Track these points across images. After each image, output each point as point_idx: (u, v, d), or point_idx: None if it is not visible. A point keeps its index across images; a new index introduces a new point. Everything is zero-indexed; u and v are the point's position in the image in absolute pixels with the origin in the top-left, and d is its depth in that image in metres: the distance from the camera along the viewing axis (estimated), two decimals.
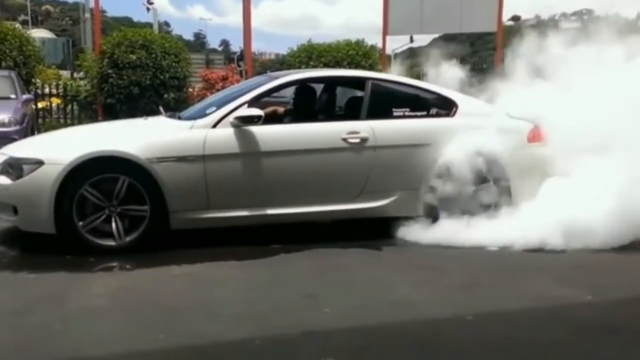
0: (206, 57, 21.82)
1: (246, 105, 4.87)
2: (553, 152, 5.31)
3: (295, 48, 13.78)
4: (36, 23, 55.87)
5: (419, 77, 7.19)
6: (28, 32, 15.30)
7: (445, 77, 6.07)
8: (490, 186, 5.09)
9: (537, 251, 4.71)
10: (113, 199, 4.51)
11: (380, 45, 13.96)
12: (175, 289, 3.85)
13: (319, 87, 5.83)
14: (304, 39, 14.10)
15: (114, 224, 4.53)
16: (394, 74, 6.42)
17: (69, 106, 13.05)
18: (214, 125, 4.77)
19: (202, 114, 4.97)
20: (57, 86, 13.21)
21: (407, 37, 20.01)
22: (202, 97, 10.74)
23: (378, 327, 3.27)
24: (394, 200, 5.02)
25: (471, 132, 5.08)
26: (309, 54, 13.08)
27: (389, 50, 17.96)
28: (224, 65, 19.16)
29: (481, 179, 5.04)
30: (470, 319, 3.39)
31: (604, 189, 4.87)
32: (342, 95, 5.89)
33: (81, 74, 14.44)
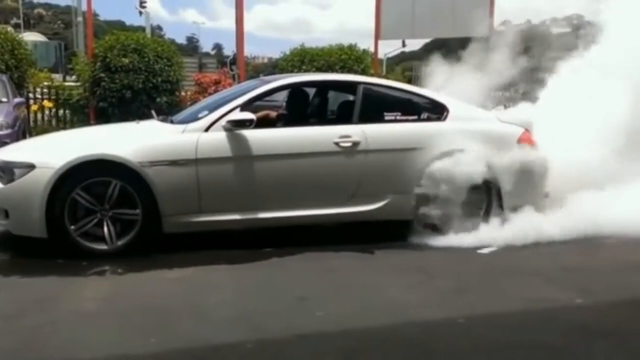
0: (199, 60, 21.71)
1: (238, 109, 4.87)
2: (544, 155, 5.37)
3: (287, 52, 13.77)
4: (28, 26, 55.58)
5: (410, 81, 7.23)
6: (20, 36, 15.23)
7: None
8: (481, 190, 5.11)
9: (528, 253, 4.74)
10: (105, 202, 4.51)
11: (372, 49, 14.00)
12: (167, 293, 3.84)
13: (311, 91, 5.85)
14: (296, 43, 14.15)
15: (105, 228, 4.53)
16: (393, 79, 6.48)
17: (61, 110, 12.99)
18: (206, 129, 4.77)
19: (194, 118, 4.98)
20: (48, 89, 13.15)
21: (399, 42, 20.06)
22: (194, 101, 10.72)
23: (370, 330, 3.28)
24: (386, 203, 5.03)
25: (462, 136, 5.11)
26: (302, 58, 13.09)
27: (381, 55, 18.00)
28: (216, 69, 19.11)
29: (471, 183, 5.05)
30: (461, 322, 3.40)
31: None
32: (334, 99, 5.91)
33: (73, 78, 14.38)
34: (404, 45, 22.48)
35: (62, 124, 12.67)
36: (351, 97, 5.39)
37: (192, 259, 4.49)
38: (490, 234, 4.96)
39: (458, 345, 3.13)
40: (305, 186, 4.90)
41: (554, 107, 6.12)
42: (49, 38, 44.03)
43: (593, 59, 6.24)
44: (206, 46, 69.01)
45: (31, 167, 4.45)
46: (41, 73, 15.49)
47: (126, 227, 4.57)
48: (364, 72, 12.33)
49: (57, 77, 20.45)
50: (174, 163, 4.61)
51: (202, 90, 12.93)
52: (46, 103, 12.76)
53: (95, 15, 37.51)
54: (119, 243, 4.55)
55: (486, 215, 5.15)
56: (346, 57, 12.96)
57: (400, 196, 5.03)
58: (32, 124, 12.35)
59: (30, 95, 12.82)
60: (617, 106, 5.81)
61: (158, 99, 11.90)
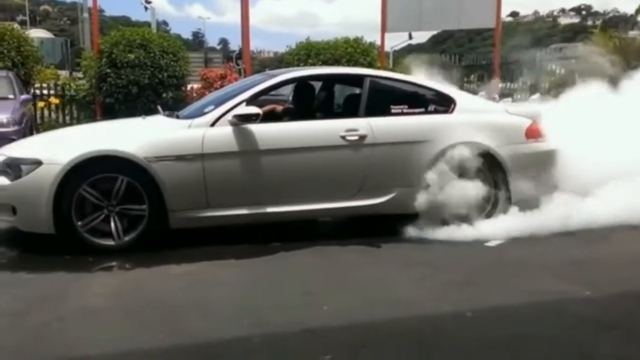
0: (205, 55, 21.74)
1: (244, 103, 4.86)
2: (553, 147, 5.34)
3: (293, 46, 13.74)
4: (34, 23, 55.80)
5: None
6: (26, 32, 15.24)
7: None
8: (489, 182, 5.08)
9: (535, 246, 4.72)
10: (112, 198, 4.51)
11: (378, 42, 13.94)
12: (174, 288, 3.85)
13: (317, 85, 5.83)
14: (302, 37, 14.16)
15: (112, 224, 4.53)
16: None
17: (68, 106, 13.03)
18: (212, 124, 4.76)
19: (200, 113, 4.97)
20: (55, 86, 13.18)
21: (406, 34, 19.95)
22: (200, 96, 10.71)
23: (377, 324, 3.27)
24: (393, 197, 5.01)
25: (469, 129, 5.09)
26: (308, 52, 13.05)
27: (387, 48, 17.92)
28: (222, 63, 19.10)
29: (480, 176, 5.03)
30: (469, 315, 3.39)
31: None
32: (341, 92, 5.89)
33: (80, 74, 14.41)
34: (410, 37, 22.35)
35: (69, 120, 12.71)
36: (357, 90, 5.37)
37: (198, 254, 4.49)
38: (497, 226, 4.93)
39: (465, 338, 3.12)
40: (312, 180, 4.89)
41: None
42: (55, 35, 44.20)
43: None
44: (212, 41, 69.19)
45: (38, 163, 4.46)
46: (47, 70, 15.52)
47: (133, 223, 4.57)
48: (370, 65, 12.29)
49: (64, 73, 20.48)
50: (180, 158, 4.60)
51: (208, 85, 12.92)
52: (53, 99, 12.79)
53: (101, 11, 37.61)
54: (126, 239, 4.55)
55: (493, 208, 5.12)
56: (352, 50, 12.91)
57: (407, 190, 5.01)
58: (38, 120, 12.38)
59: (37, 91, 12.85)
60: None
61: (164, 94, 11.91)
